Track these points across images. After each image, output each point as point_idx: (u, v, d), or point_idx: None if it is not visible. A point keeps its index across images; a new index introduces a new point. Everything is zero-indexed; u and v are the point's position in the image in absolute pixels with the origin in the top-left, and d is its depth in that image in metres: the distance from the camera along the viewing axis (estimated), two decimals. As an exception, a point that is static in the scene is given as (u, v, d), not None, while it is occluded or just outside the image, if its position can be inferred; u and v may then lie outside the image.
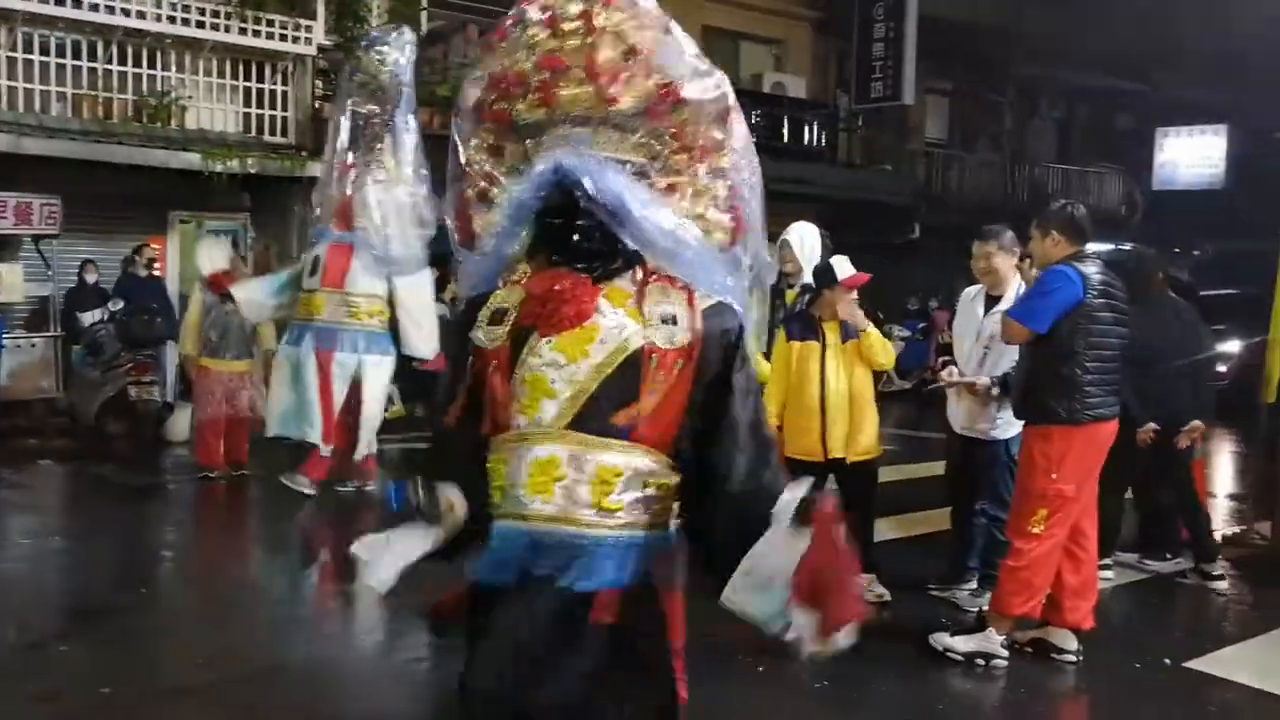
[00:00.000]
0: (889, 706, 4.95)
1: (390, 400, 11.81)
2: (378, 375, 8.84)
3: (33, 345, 12.00)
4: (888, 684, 5.19)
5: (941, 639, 5.40)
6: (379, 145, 8.70)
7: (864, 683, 5.12)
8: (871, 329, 6.17)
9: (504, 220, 2.67)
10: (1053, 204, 5.61)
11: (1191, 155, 26.21)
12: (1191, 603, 6.72)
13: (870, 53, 20.35)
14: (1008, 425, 5.91)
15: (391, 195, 8.65)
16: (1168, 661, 5.59)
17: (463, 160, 2.78)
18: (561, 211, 2.55)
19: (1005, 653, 5.30)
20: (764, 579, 2.44)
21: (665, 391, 2.54)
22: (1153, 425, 6.69)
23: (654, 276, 2.62)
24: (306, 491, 8.62)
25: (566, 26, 2.57)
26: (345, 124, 8.78)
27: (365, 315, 8.69)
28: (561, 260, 2.58)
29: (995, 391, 5.95)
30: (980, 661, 5.27)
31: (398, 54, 8.71)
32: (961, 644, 5.34)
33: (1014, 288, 6.14)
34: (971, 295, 6.44)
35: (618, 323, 2.54)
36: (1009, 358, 5.90)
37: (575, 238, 2.56)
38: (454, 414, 2.68)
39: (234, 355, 9.46)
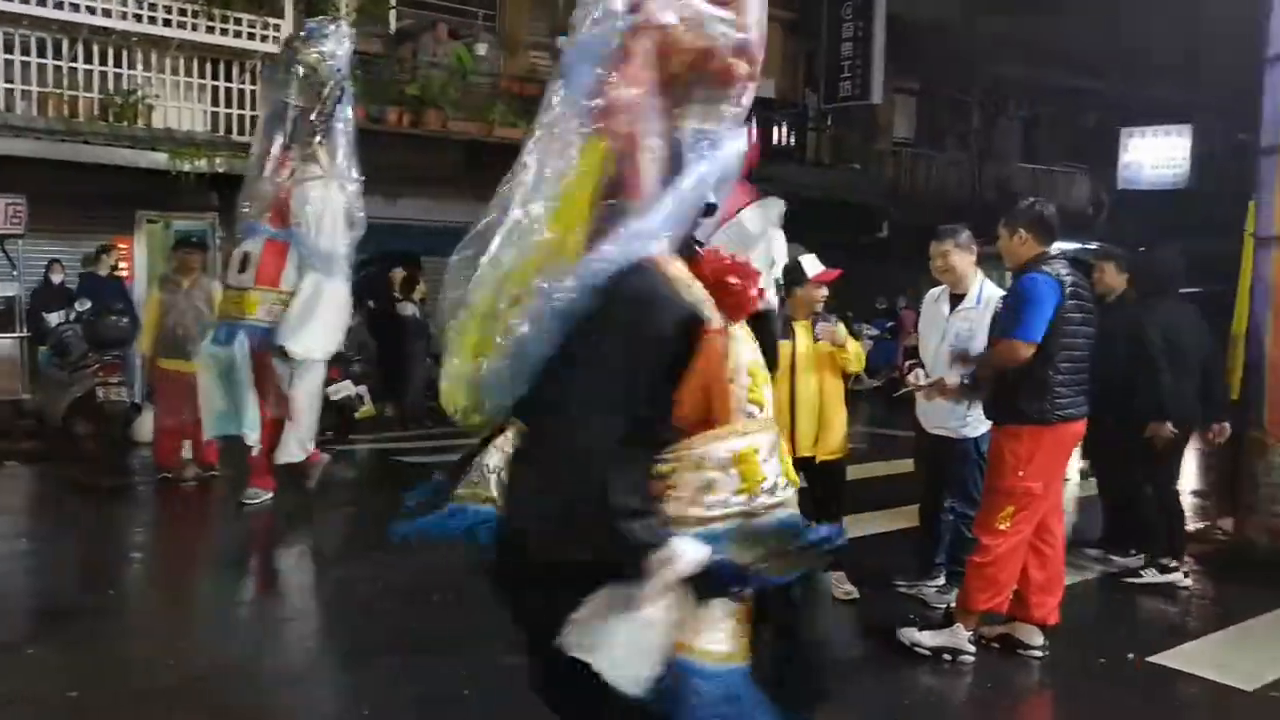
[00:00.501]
0: (856, 703, 4.95)
1: (360, 400, 11.78)
2: (313, 377, 8.61)
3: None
4: (856, 680, 5.20)
5: (909, 634, 5.45)
6: (316, 141, 8.45)
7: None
8: (851, 342, 6.19)
9: (703, 187, 2.42)
10: (1020, 202, 5.61)
11: (1156, 155, 26.43)
12: (1155, 598, 6.77)
13: (839, 52, 20.45)
14: (977, 423, 5.95)
15: (329, 193, 8.42)
16: (1131, 656, 5.65)
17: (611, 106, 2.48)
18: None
19: (972, 648, 5.34)
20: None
21: None
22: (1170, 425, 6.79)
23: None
24: (267, 499, 8.61)
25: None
26: (280, 117, 8.50)
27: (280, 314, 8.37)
28: (694, 240, 2.47)
29: (961, 385, 5.97)
30: (947, 657, 5.31)
31: (336, 47, 8.45)
32: (929, 639, 5.38)
33: (977, 285, 6.20)
34: (935, 296, 6.48)
35: None
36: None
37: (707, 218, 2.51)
38: (682, 409, 2.35)
39: (194, 355, 9.19)
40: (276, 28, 13.27)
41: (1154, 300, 7.03)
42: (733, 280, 2.42)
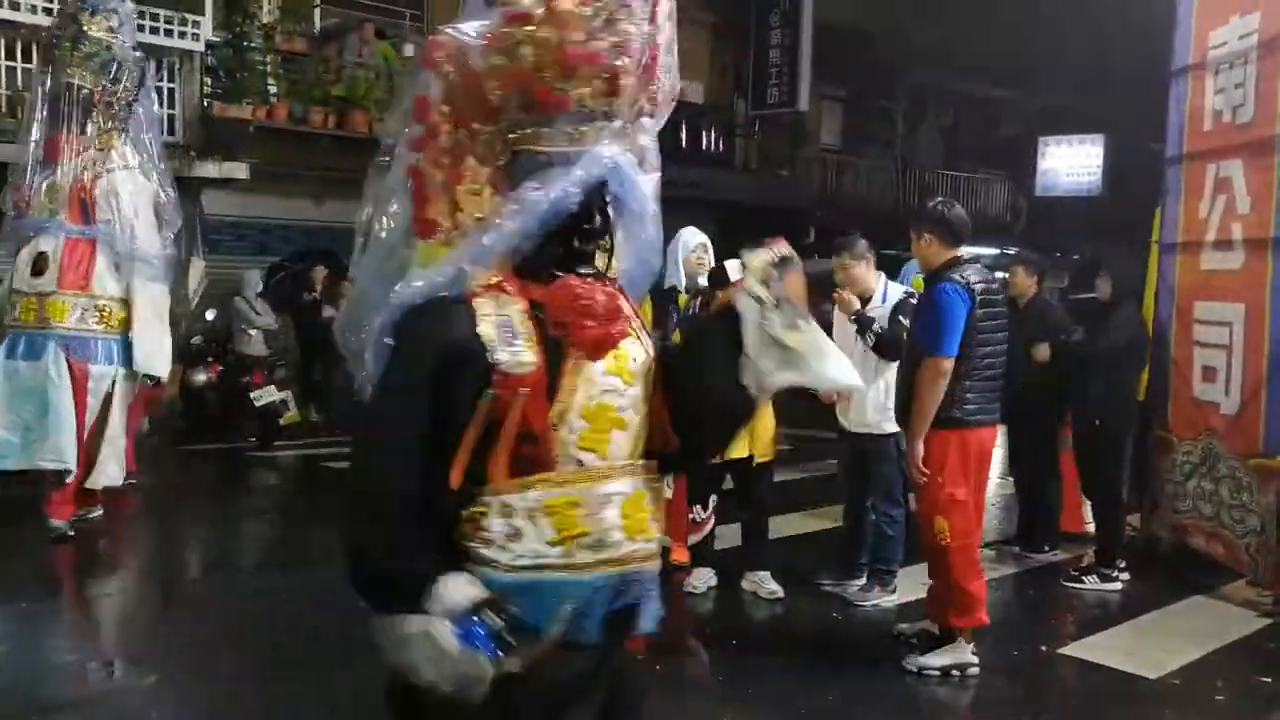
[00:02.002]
0: (783, 700, 5.01)
1: (285, 405, 11.65)
2: (128, 390, 7.66)
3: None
4: (782, 677, 5.28)
5: (914, 661, 5.38)
6: (113, 127, 7.55)
7: (759, 677, 5.24)
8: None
9: (528, 219, 2.24)
10: (925, 205, 5.66)
11: (1071, 163, 26.97)
12: (1066, 592, 6.95)
13: (766, 59, 20.63)
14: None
15: (139, 186, 7.61)
16: (1044, 648, 5.88)
17: (432, 128, 2.36)
18: (584, 213, 2.29)
19: (975, 659, 5.35)
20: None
21: (658, 400, 2.41)
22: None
23: (607, 279, 2.43)
24: (68, 533, 7.41)
25: (639, 10, 2.31)
26: (64, 100, 7.43)
27: (115, 322, 7.48)
28: (563, 266, 2.30)
29: (859, 333, 6.11)
30: (955, 673, 5.31)
31: (124, 21, 7.65)
32: (935, 660, 5.35)
33: (880, 286, 6.35)
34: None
35: (628, 337, 2.37)
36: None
37: (589, 243, 2.34)
38: (457, 472, 2.19)
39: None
40: (196, 24, 13.05)
41: (1124, 303, 7.29)
42: (587, 321, 2.25)
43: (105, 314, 7.46)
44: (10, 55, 11.98)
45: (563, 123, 2.27)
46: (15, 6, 11.82)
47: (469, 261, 2.27)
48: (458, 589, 2.11)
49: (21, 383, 7.25)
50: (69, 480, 7.43)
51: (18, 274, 7.38)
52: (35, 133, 7.53)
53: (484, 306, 2.23)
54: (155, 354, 7.67)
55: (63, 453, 7.29)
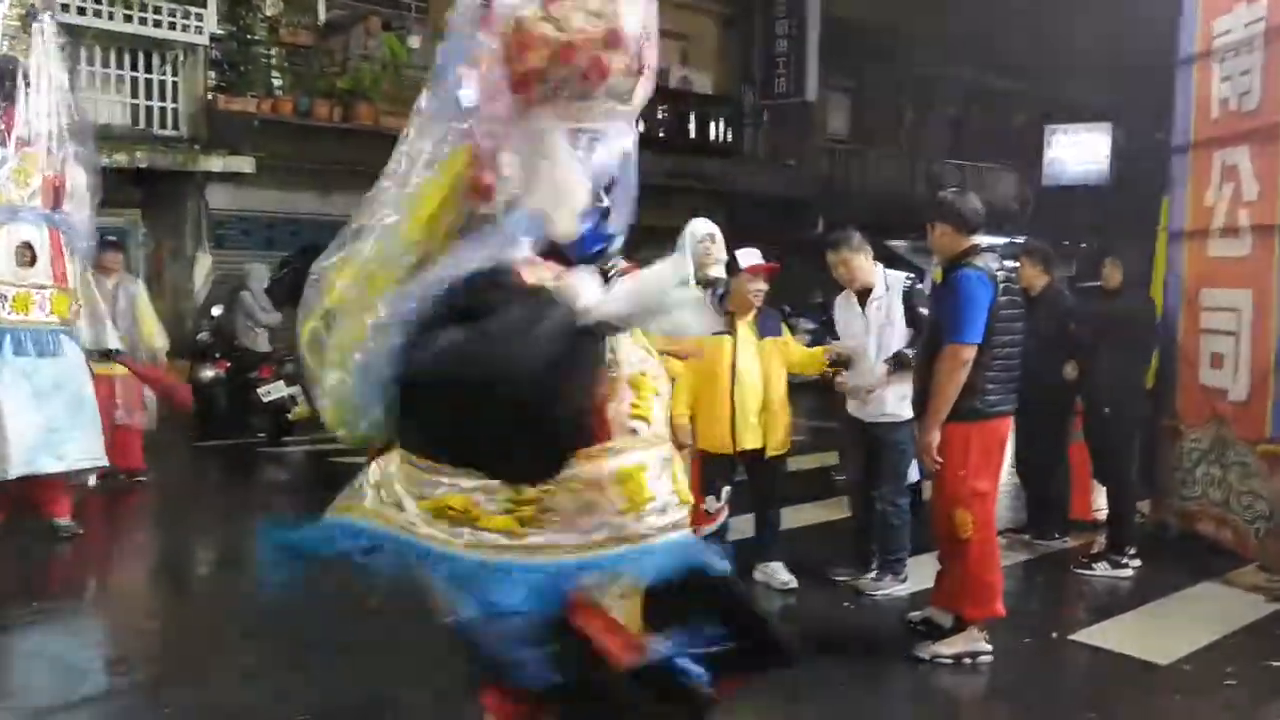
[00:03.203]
0: (795, 690, 5.01)
1: (294, 400, 11.63)
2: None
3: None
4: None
5: (926, 648, 5.36)
6: (56, 102, 7.12)
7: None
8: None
9: (574, 187, 2.31)
10: (940, 194, 5.63)
11: (1078, 153, 26.91)
12: (1077, 579, 6.96)
13: (774, 50, 20.61)
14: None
15: (81, 169, 7.28)
16: (1054, 635, 5.88)
17: (493, 89, 2.38)
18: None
19: (989, 648, 5.34)
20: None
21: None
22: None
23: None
24: (78, 529, 7.39)
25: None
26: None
27: (75, 315, 7.36)
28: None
29: (890, 371, 6.09)
30: (968, 661, 5.31)
31: None
32: (947, 649, 5.33)
33: (880, 277, 6.35)
34: (843, 300, 6.56)
35: None
36: (899, 338, 6.18)
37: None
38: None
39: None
40: (199, 17, 13.04)
41: (1132, 290, 7.29)
42: None
43: (74, 308, 7.33)
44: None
45: (600, 98, 2.29)
46: None
47: (518, 235, 2.29)
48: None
49: (44, 381, 7.00)
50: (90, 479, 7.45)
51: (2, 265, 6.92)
52: None
53: (530, 275, 2.28)
54: (108, 329, 7.75)
55: (95, 451, 7.25)
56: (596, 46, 2.28)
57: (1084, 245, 24.82)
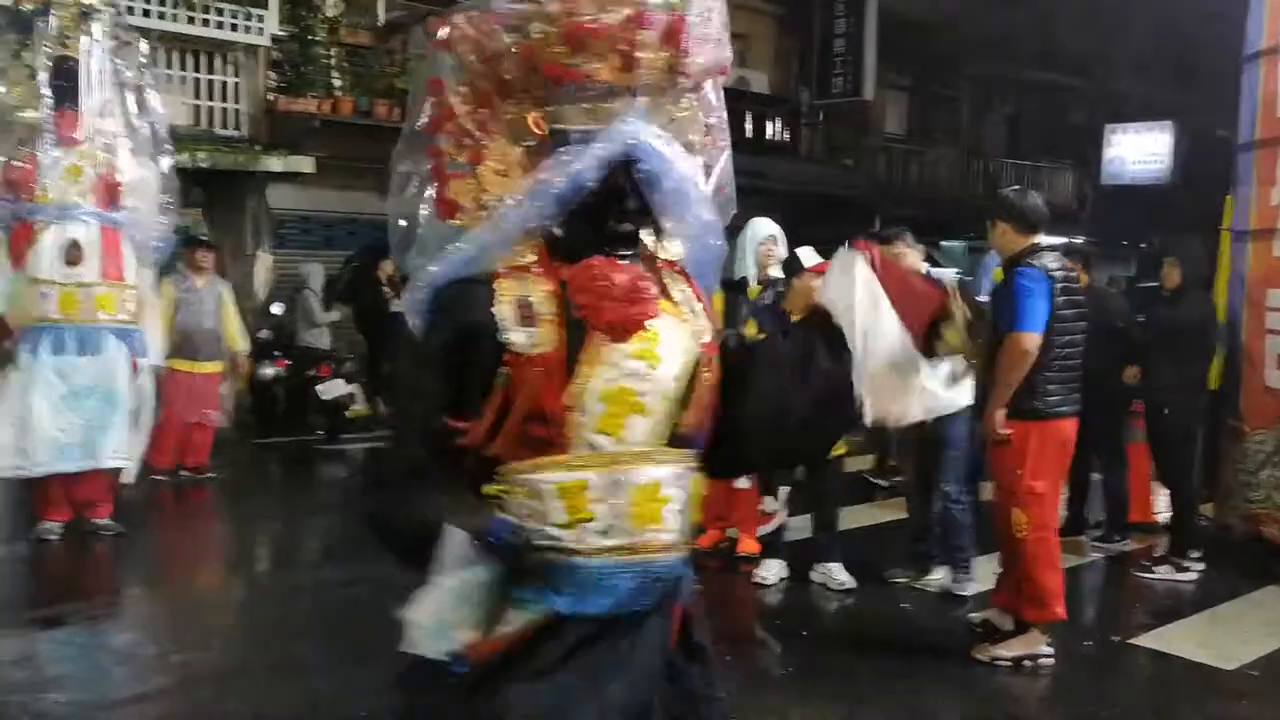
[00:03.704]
0: (852, 691, 5.00)
1: (352, 398, 11.75)
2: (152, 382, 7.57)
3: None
4: (852, 668, 5.27)
5: (986, 651, 5.34)
6: (110, 101, 7.18)
7: (828, 668, 5.23)
8: None
9: (542, 200, 2.22)
10: (1000, 193, 5.61)
11: (1139, 151, 26.49)
12: (1139, 583, 6.90)
13: (831, 49, 20.52)
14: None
15: (143, 167, 7.33)
16: (1116, 639, 5.82)
17: (450, 109, 2.34)
18: (612, 192, 2.24)
19: (1050, 651, 5.30)
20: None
21: (710, 390, 2.34)
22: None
23: (659, 261, 2.39)
24: (121, 530, 7.39)
25: None
26: (57, 73, 7.00)
27: (137, 313, 7.35)
28: (592, 247, 2.26)
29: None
30: (1028, 664, 5.27)
31: None
32: (1007, 651, 5.31)
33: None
34: None
35: (665, 320, 2.29)
36: None
37: (623, 224, 2.28)
38: (479, 431, 2.20)
39: (205, 356, 9.08)
40: (260, 19, 13.17)
41: (1192, 290, 7.15)
42: (604, 302, 2.21)
43: (135, 305, 7.32)
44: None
45: (579, 99, 2.24)
46: None
47: (490, 242, 2.27)
48: (460, 544, 2.17)
49: (81, 379, 7.02)
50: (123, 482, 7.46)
51: (41, 263, 6.91)
52: (33, 113, 7.00)
53: (506, 287, 2.22)
54: (157, 346, 7.67)
55: (125, 449, 7.26)
56: (554, 48, 2.24)
57: (1143, 245, 24.53)
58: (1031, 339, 5.02)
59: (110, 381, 7.13)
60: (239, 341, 9.57)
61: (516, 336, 2.19)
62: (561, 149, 2.23)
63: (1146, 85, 24.73)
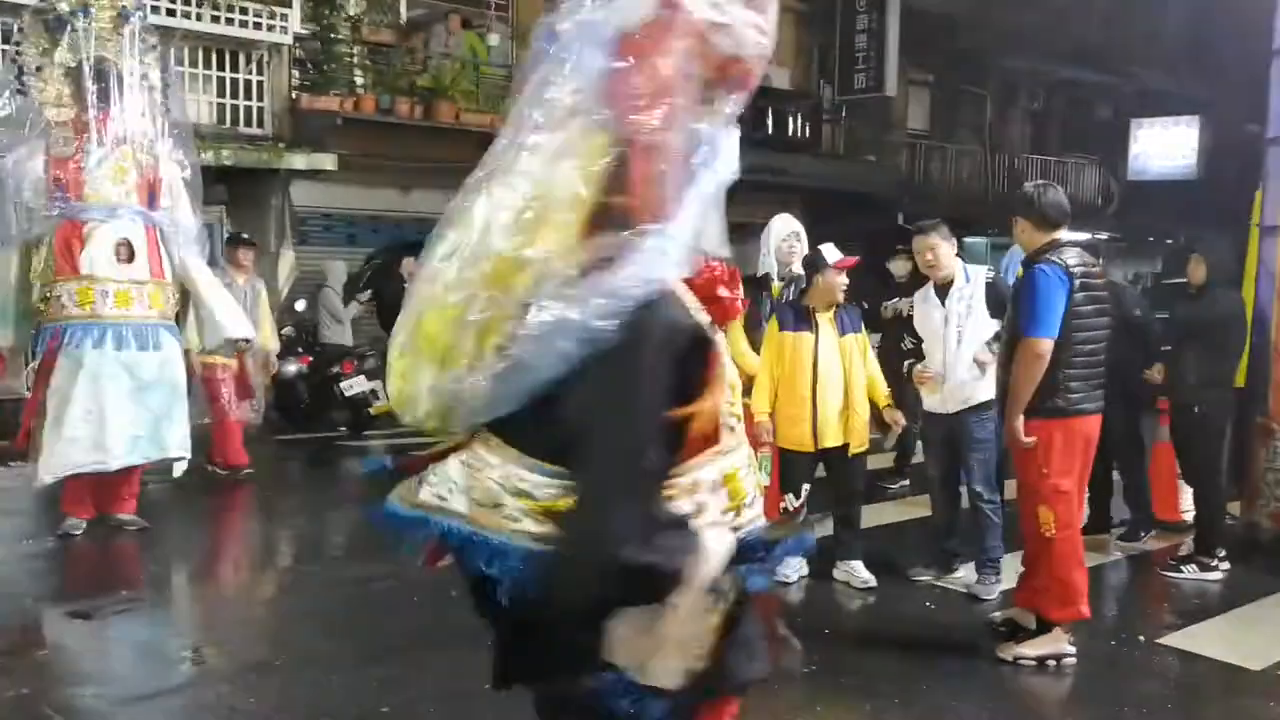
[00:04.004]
0: (874, 689, 4.98)
1: (374, 395, 11.77)
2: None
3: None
4: (874, 666, 5.25)
5: (1010, 650, 5.30)
6: (145, 103, 7.30)
7: (850, 666, 5.21)
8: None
9: (716, 195, 2.28)
10: (1021, 189, 5.55)
11: (1165, 146, 26.37)
12: (1164, 581, 6.84)
13: (853, 45, 20.46)
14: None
15: (176, 167, 7.51)
16: (1143, 638, 5.76)
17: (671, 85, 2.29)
18: None
19: (1073, 650, 5.26)
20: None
21: None
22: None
23: None
24: (145, 524, 7.47)
25: None
26: (92, 76, 7.07)
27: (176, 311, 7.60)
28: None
29: (991, 352, 5.97)
30: (1051, 663, 5.23)
31: None
32: (1031, 650, 5.27)
33: (960, 269, 6.26)
34: (923, 294, 6.48)
35: None
36: (984, 327, 6.08)
37: None
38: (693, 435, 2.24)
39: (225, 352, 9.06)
40: (284, 17, 13.22)
41: (1218, 286, 7.07)
42: (723, 292, 2.31)
43: (175, 302, 7.55)
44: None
45: (726, 103, 2.31)
46: None
47: (690, 247, 2.22)
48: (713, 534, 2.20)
49: (146, 374, 7.17)
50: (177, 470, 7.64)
51: (98, 262, 7.03)
52: (63, 113, 7.09)
53: (681, 292, 2.27)
54: (238, 318, 7.89)
55: (187, 443, 7.47)
56: (756, 63, 2.33)
57: (1169, 241, 24.38)
58: (1044, 344, 5.01)
59: (173, 375, 7.37)
60: (271, 341, 9.66)
61: (716, 337, 2.29)
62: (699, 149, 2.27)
63: (1173, 80, 24.58)
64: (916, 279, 7.23)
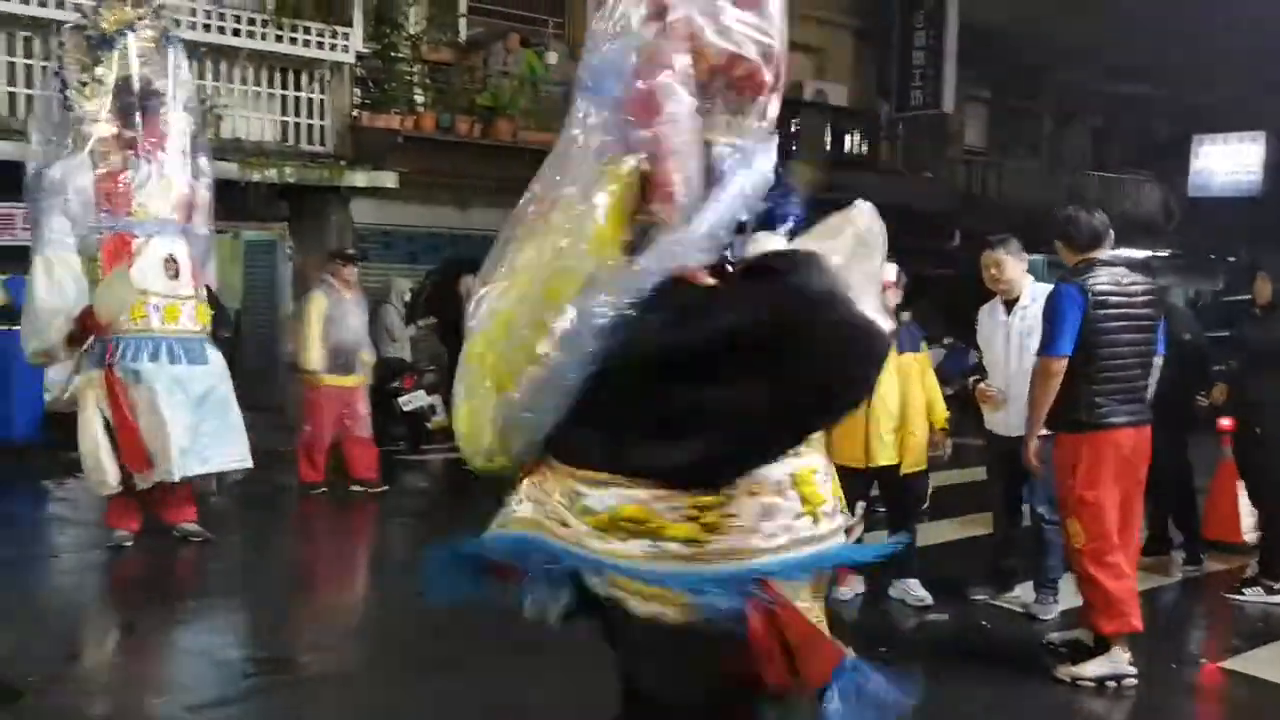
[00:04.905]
0: (929, 709, 4.93)
1: (433, 410, 11.85)
2: None
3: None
4: (929, 685, 5.13)
5: (1068, 671, 5.27)
6: (168, 122, 7.43)
7: (905, 685, 5.14)
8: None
9: (738, 202, 2.36)
10: (1058, 211, 5.62)
11: (1228, 162, 25.97)
12: (1227, 604, 6.75)
13: (910, 61, 20.37)
14: None
15: (202, 185, 7.69)
16: (1204, 661, 5.75)
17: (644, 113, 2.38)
18: None
19: (1133, 670, 5.20)
20: None
21: None
22: None
23: None
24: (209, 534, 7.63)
25: None
26: (129, 93, 7.25)
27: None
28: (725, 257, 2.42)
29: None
30: (1111, 684, 5.18)
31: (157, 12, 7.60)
32: (1091, 670, 5.23)
33: (1028, 288, 6.20)
34: (988, 309, 6.48)
35: None
36: None
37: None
38: None
39: (353, 370, 9.24)
40: (346, 36, 13.38)
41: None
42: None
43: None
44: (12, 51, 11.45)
45: (751, 114, 2.37)
46: (176, 23, 11.90)
47: (702, 242, 2.31)
48: None
49: (199, 387, 7.31)
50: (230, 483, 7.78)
51: (147, 277, 7.17)
52: (100, 128, 7.21)
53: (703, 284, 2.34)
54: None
55: (244, 453, 7.58)
56: (757, 61, 2.32)
57: (1232, 258, 24.02)
58: (1055, 363, 5.14)
59: (224, 388, 7.52)
60: (367, 354, 9.67)
61: None
62: (727, 159, 2.36)
63: (1236, 95, 24.22)
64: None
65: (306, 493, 9.22)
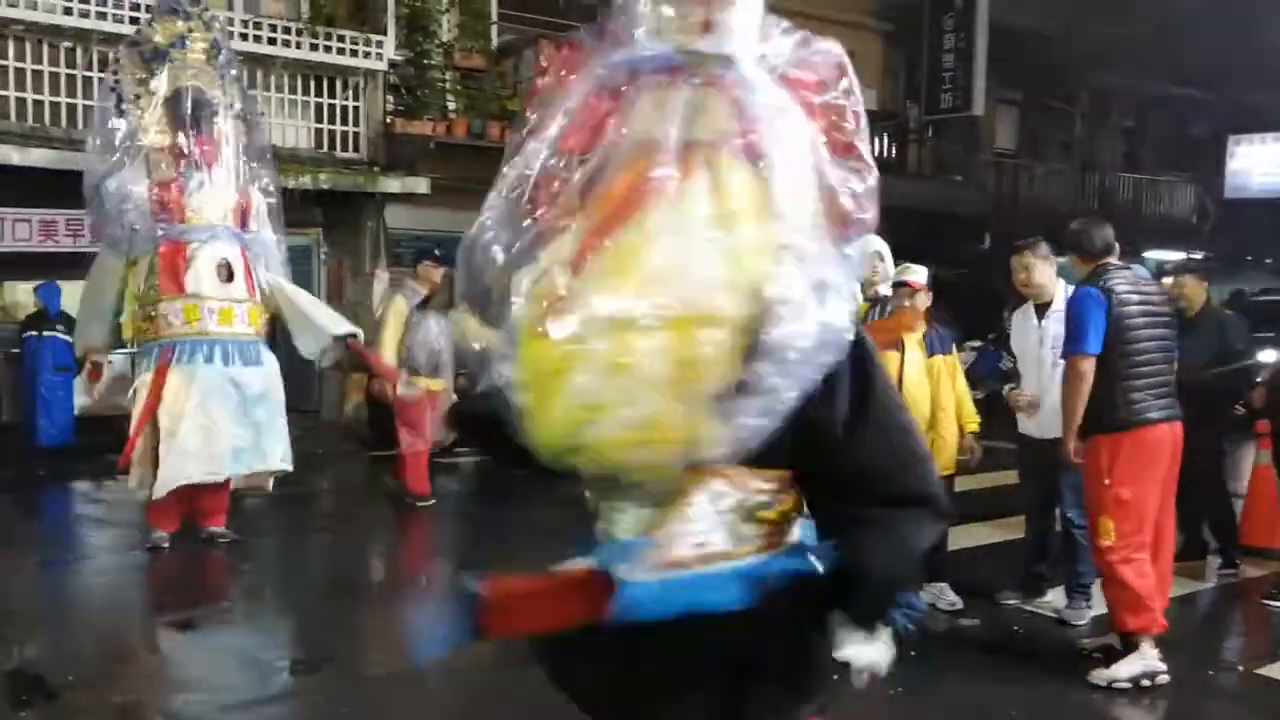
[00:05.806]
0: (961, 714, 4.96)
1: (461, 413, 11.85)
2: None
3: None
4: (960, 690, 5.22)
5: (1101, 675, 5.26)
6: (221, 130, 7.65)
7: (937, 689, 5.18)
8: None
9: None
10: (1069, 228, 5.66)
11: (1265, 162, 25.74)
12: (1263, 611, 6.71)
13: (940, 63, 20.33)
14: None
15: (259, 191, 7.87)
16: (1240, 667, 5.69)
17: None
18: None
19: (1164, 667, 5.21)
20: None
21: None
22: None
23: None
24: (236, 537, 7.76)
25: None
26: (187, 104, 7.46)
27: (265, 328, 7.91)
28: None
29: None
30: (1146, 683, 5.18)
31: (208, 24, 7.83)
32: (1123, 671, 5.23)
33: (1061, 291, 6.19)
34: (1022, 312, 6.49)
35: None
36: None
37: None
38: None
39: (435, 373, 9.07)
40: (379, 44, 13.52)
41: None
42: None
43: (267, 318, 7.88)
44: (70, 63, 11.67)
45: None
46: (68, 11, 11.56)
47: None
48: None
49: (252, 389, 7.47)
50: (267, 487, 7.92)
51: (202, 282, 7.36)
52: (164, 138, 7.42)
53: None
54: (338, 318, 8.12)
55: (289, 455, 7.73)
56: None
57: (1269, 260, 23.82)
58: (1083, 361, 5.20)
59: (275, 390, 7.68)
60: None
61: None
62: None
63: (1272, 94, 24.02)
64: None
65: (414, 505, 9.12)
